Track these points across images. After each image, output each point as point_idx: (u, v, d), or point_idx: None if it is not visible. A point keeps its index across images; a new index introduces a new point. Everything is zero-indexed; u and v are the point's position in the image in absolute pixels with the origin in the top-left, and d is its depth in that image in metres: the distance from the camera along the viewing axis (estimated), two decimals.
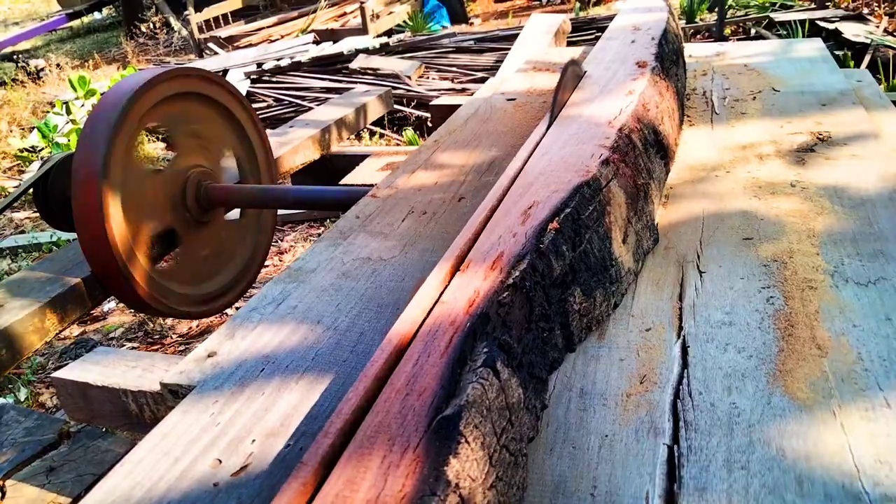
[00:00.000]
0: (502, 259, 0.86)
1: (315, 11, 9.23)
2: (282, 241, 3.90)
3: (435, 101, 2.87)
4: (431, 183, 1.57)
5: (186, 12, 9.18)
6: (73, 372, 1.39)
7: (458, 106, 2.26)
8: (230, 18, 9.88)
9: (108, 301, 3.35)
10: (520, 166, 1.17)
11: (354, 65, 6.30)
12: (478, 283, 0.83)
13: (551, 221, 0.94)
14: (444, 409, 0.64)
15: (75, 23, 12.72)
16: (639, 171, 1.20)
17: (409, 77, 5.92)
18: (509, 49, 3.27)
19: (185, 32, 9.98)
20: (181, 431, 0.86)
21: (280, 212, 3.18)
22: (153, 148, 5.48)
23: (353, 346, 0.99)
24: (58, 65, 9.01)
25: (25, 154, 5.92)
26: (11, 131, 6.60)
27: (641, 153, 1.24)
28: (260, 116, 4.26)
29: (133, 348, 3.07)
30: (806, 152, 1.49)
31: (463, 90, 5.58)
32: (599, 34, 3.17)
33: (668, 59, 1.74)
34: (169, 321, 3.24)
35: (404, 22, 8.68)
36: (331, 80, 6.19)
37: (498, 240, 0.92)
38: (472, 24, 9.22)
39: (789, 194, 1.31)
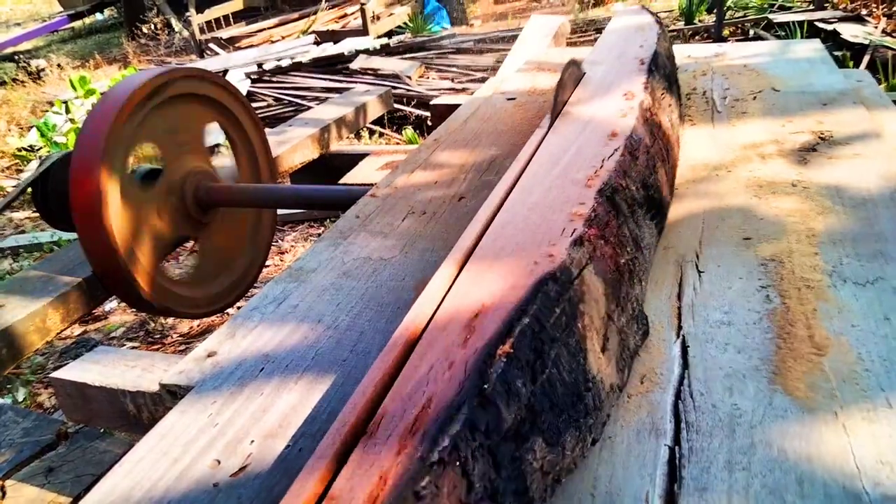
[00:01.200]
0: (427, 415, 0.60)
1: (316, 13, 9.24)
2: (282, 241, 3.90)
3: (435, 101, 2.87)
4: (431, 182, 1.57)
5: (188, 13, 9.19)
6: (72, 372, 1.39)
7: (458, 105, 2.26)
8: (231, 19, 9.90)
9: (110, 300, 3.35)
10: (470, 245, 0.91)
11: (355, 65, 6.31)
12: (386, 464, 0.57)
13: (502, 342, 0.68)
14: None
15: (77, 24, 12.73)
16: (623, 246, 0.95)
17: (410, 77, 5.92)
18: (509, 50, 3.28)
19: (186, 33, 9.99)
20: (180, 432, 0.85)
21: (280, 212, 3.18)
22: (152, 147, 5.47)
23: (354, 345, 0.99)
24: (59, 65, 9.02)
25: (24, 153, 5.92)
26: (10, 130, 6.61)
27: (627, 218, 1.00)
28: (260, 116, 4.26)
29: (134, 348, 3.07)
30: (808, 152, 1.49)
31: (463, 90, 5.58)
32: (598, 35, 3.17)
33: (659, 88, 1.49)
34: (170, 321, 3.23)
35: (405, 23, 8.69)
36: (331, 80, 6.20)
37: (427, 374, 0.66)
38: (472, 25, 9.22)
39: (790, 194, 1.31)
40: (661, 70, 1.60)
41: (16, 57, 10.15)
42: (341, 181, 2.39)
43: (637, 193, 1.07)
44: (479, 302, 0.76)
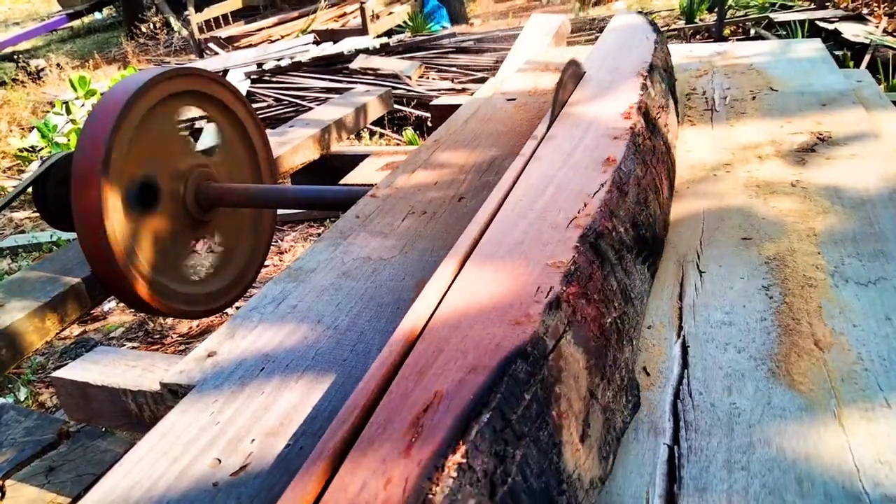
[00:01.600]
0: None
1: (315, 12, 9.24)
2: (282, 240, 3.90)
3: (435, 101, 2.87)
4: (431, 182, 1.57)
5: (186, 12, 9.18)
6: (73, 371, 1.39)
7: (459, 106, 2.27)
8: (230, 19, 9.89)
9: (109, 301, 3.35)
10: (429, 305, 0.76)
11: (354, 65, 6.31)
12: None
13: (454, 448, 0.54)
14: None
15: (76, 23, 12.72)
16: (608, 302, 0.81)
17: (409, 77, 5.92)
18: (509, 49, 3.28)
19: (185, 32, 9.98)
20: (180, 431, 0.86)
21: (280, 212, 3.18)
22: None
23: (353, 345, 0.99)
24: (58, 65, 9.01)
25: (25, 154, 5.92)
26: (11, 131, 6.61)
27: (614, 266, 0.87)
28: (260, 116, 4.25)
29: (133, 348, 3.07)
30: (806, 152, 1.49)
31: (463, 90, 5.58)
32: (599, 34, 3.17)
33: (654, 107, 1.36)
34: (169, 321, 3.24)
35: (404, 22, 8.69)
36: (331, 80, 6.19)
37: (357, 496, 0.52)
38: (471, 24, 9.22)
39: (789, 194, 1.31)
40: (658, 84, 1.49)
41: (15, 57, 10.14)
42: (342, 182, 2.39)
43: (626, 235, 0.94)
44: (432, 392, 0.61)
